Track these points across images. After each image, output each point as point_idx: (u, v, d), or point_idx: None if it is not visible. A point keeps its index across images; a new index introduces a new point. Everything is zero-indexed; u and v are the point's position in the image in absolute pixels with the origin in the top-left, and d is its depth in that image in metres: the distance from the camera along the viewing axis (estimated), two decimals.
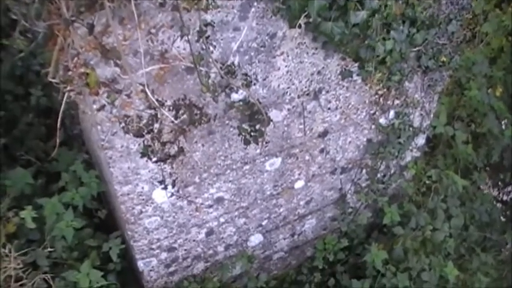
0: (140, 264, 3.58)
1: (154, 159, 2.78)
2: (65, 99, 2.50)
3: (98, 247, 3.63)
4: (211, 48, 2.67)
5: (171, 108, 2.64)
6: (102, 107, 2.43)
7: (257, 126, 2.88)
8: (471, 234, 4.61)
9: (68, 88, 2.28)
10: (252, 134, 2.92)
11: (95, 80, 2.23)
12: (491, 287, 4.40)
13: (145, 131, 2.61)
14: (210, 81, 2.72)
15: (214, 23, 2.55)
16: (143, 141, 2.71)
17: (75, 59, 2.21)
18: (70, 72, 2.20)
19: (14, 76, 4.61)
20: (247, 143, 2.98)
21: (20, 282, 3.20)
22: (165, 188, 3.04)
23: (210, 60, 2.64)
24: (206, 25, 2.49)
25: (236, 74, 2.75)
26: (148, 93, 2.40)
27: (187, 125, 2.68)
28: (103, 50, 2.26)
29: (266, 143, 3.26)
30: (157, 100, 2.52)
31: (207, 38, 2.53)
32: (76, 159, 3.78)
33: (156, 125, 2.63)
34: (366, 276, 4.14)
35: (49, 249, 3.40)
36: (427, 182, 4.41)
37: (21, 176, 3.64)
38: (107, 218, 3.87)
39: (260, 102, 2.90)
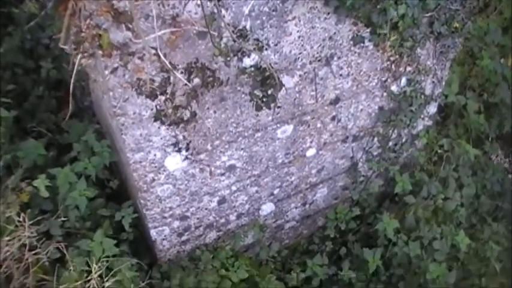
0: (153, 233, 3.60)
1: (167, 122, 2.77)
2: (76, 65, 2.49)
3: (110, 217, 3.65)
4: (223, 11, 2.64)
5: (183, 71, 2.62)
6: (115, 70, 2.42)
7: (269, 92, 2.87)
8: (482, 203, 4.59)
9: (81, 50, 2.26)
10: (264, 99, 2.91)
11: (108, 42, 2.21)
12: (503, 256, 4.40)
13: (159, 93, 2.60)
14: (222, 44, 2.70)
15: None
16: (155, 106, 2.71)
17: (88, 20, 2.19)
18: (83, 34, 2.19)
19: (24, 50, 4.62)
20: (258, 108, 2.97)
21: (34, 251, 3.22)
22: (179, 151, 3.04)
23: (222, 24, 2.62)
24: None
25: (248, 38, 2.72)
26: (161, 56, 2.38)
27: (200, 87, 2.67)
28: (115, 13, 2.24)
29: (278, 107, 3.24)
30: (169, 63, 2.50)
31: (219, 0, 2.50)
32: (87, 130, 3.78)
33: (169, 88, 2.62)
34: (378, 245, 4.14)
35: (62, 219, 3.43)
36: (439, 151, 4.39)
37: (34, 147, 3.64)
38: (119, 189, 3.89)
39: (272, 67, 2.88)
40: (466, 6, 3.59)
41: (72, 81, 2.47)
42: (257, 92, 3.07)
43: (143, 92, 2.55)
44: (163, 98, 2.66)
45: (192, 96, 2.70)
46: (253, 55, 2.81)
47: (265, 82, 2.87)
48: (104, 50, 2.26)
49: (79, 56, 2.67)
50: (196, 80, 2.65)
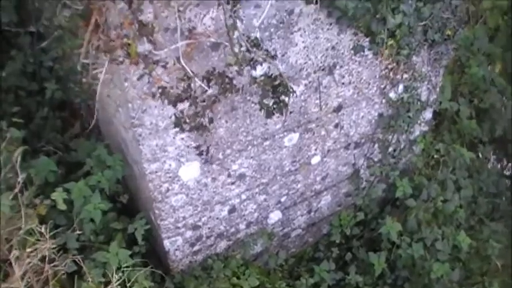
0: (166, 243, 3.68)
1: (186, 129, 2.88)
2: (102, 75, 2.61)
3: (122, 230, 3.72)
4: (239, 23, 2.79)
5: (202, 79, 2.75)
6: (141, 77, 2.54)
7: (281, 98, 3.00)
8: (480, 205, 4.75)
9: (108, 57, 2.38)
10: (275, 106, 3.04)
11: (135, 51, 2.34)
12: (503, 254, 4.54)
13: (180, 100, 2.72)
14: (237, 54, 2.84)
15: None
16: (174, 114, 2.83)
17: (118, 30, 2.31)
18: (112, 43, 2.31)
19: (26, 73, 4.71)
20: (270, 115, 3.10)
21: (53, 264, 3.28)
22: (193, 160, 3.15)
23: (235, 34, 2.76)
24: None
25: (261, 47, 2.87)
26: (184, 65, 2.51)
27: (219, 94, 2.79)
28: (139, 25, 2.37)
29: (291, 113, 3.37)
30: (191, 71, 2.64)
31: (235, 12, 2.64)
32: (96, 148, 3.86)
33: (190, 96, 2.74)
34: (381, 249, 4.27)
35: (78, 232, 3.49)
36: (435, 156, 4.55)
37: (45, 164, 3.71)
38: (128, 203, 3.96)
39: (282, 75, 3.02)
40: (456, 14, 3.79)
41: (98, 91, 2.59)
42: (266, 101, 3.20)
43: (168, 99, 2.66)
44: (183, 105, 2.79)
45: (212, 101, 2.82)
46: (264, 64, 2.96)
47: (276, 89, 3.01)
48: (131, 58, 2.38)
49: (98, 70, 2.82)
50: (215, 87, 2.77)
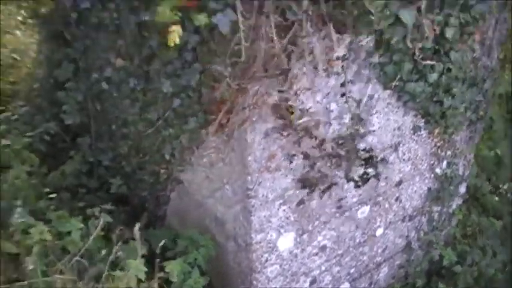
0: None
1: (320, 188, 3.27)
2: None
3: None
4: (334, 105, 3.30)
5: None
6: (299, 140, 2.96)
7: (377, 168, 3.46)
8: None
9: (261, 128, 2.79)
10: (366, 176, 3.49)
11: (294, 118, 2.78)
12: None
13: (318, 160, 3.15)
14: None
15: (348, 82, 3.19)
16: (294, 176, 3.24)
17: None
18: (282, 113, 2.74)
19: (82, 172, 4.99)
20: (364, 183, 3.52)
21: None
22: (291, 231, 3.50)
23: (331, 115, 3.27)
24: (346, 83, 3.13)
25: (364, 123, 3.37)
26: (321, 133, 2.96)
27: (351, 156, 3.23)
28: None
29: (377, 181, 3.81)
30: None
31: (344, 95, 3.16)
32: (165, 236, 4.14)
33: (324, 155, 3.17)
34: None
35: None
36: (468, 228, 5.06)
37: (132, 250, 3.94)
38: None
39: (373, 149, 3.51)
40: (486, 97, 4.44)
41: (182, 177, 2.96)
42: (351, 174, 3.65)
43: (310, 161, 3.06)
44: (320, 164, 3.21)
45: (338, 164, 3.25)
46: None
47: (368, 161, 3.47)
48: (291, 124, 2.81)
49: (208, 151, 3.22)
50: (342, 153, 3.22)
